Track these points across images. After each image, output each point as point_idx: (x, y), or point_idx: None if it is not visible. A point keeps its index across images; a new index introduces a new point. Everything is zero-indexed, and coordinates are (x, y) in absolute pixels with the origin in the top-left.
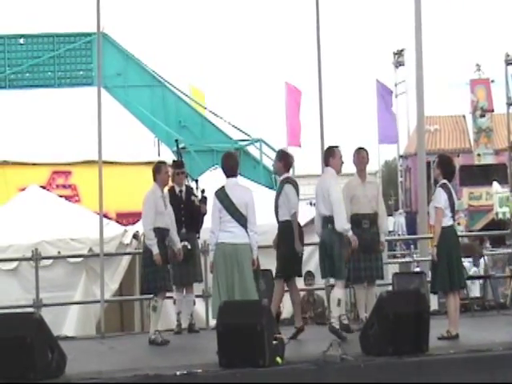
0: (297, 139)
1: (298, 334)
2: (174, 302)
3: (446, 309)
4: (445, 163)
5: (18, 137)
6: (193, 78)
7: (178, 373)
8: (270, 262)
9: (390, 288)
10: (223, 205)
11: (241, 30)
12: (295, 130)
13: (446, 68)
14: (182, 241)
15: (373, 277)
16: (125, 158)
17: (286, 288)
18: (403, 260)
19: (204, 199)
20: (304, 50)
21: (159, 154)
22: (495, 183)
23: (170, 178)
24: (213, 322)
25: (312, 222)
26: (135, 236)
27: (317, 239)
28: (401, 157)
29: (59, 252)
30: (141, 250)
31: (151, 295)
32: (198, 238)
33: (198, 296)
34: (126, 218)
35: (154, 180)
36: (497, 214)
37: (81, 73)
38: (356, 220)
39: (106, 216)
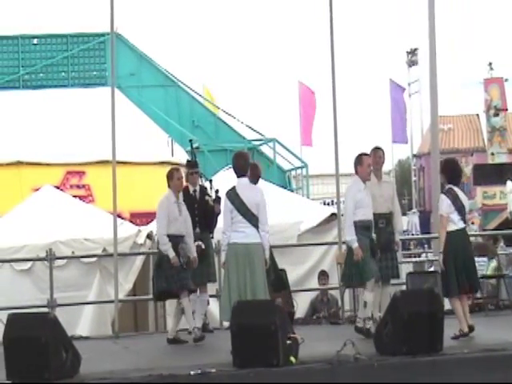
0: (309, 139)
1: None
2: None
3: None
4: (448, 168)
5: (32, 137)
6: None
7: (192, 372)
8: (283, 262)
9: (403, 287)
10: (234, 205)
11: (254, 30)
12: (308, 130)
13: (459, 67)
14: (195, 240)
15: (388, 276)
16: (138, 158)
17: (298, 287)
18: (417, 259)
19: (218, 199)
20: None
21: (173, 154)
22: (509, 182)
23: (184, 178)
24: (226, 322)
25: (326, 221)
26: (149, 236)
27: (331, 239)
28: (414, 156)
29: (73, 252)
30: (155, 250)
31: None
32: (212, 237)
33: (211, 296)
34: (140, 218)
35: (168, 186)
36: (511, 213)
37: (94, 73)
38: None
39: (119, 216)
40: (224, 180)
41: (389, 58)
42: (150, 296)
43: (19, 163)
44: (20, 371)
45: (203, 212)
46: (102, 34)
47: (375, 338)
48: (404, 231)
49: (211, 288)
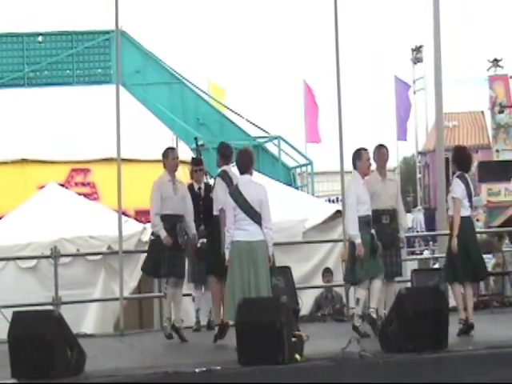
0: (316, 135)
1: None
2: (193, 300)
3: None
4: (460, 155)
5: (37, 135)
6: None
7: (197, 370)
8: (288, 259)
9: (409, 285)
10: (237, 203)
11: (259, 27)
12: (314, 127)
13: (464, 64)
14: (200, 238)
15: (392, 273)
16: (143, 156)
17: (303, 284)
18: (422, 256)
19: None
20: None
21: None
22: None
23: (189, 176)
24: (227, 319)
25: (331, 218)
26: (154, 233)
27: (336, 237)
28: (419, 153)
29: (78, 250)
30: None
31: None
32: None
33: None
34: (145, 216)
35: (164, 166)
36: None
37: (99, 71)
38: (376, 216)
39: (124, 213)
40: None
41: (394, 56)
42: (155, 293)
43: (24, 161)
44: (25, 369)
45: (208, 209)
46: (107, 32)
47: (380, 335)
48: (409, 228)
49: None
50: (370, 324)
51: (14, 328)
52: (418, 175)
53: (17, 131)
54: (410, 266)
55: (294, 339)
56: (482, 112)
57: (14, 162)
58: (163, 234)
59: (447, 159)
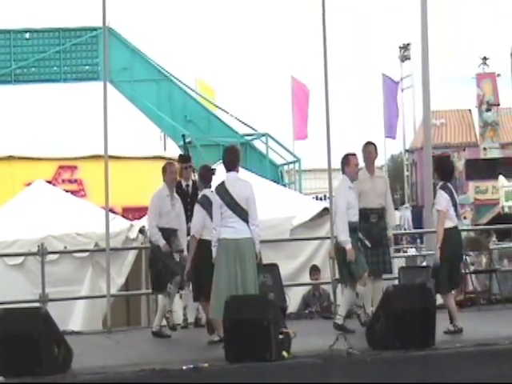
0: (304, 132)
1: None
2: (181, 297)
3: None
4: (441, 166)
5: (24, 132)
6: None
7: (184, 367)
8: (276, 257)
9: (396, 282)
10: (224, 200)
11: (246, 24)
12: (303, 123)
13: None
14: (188, 234)
15: (380, 271)
16: (131, 153)
17: (291, 282)
18: (409, 254)
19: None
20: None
21: (165, 149)
22: (501, 177)
23: (178, 173)
24: (213, 316)
25: (318, 216)
26: (141, 231)
27: (323, 234)
28: (407, 151)
29: (65, 247)
30: (147, 245)
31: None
32: None
33: None
34: (132, 213)
35: (164, 180)
36: (503, 207)
37: (87, 67)
38: (364, 214)
39: (112, 211)
40: (217, 174)
41: (381, 53)
42: (143, 291)
43: (11, 158)
44: (12, 366)
45: None
46: (95, 29)
47: (367, 333)
48: (396, 226)
49: None
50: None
51: (0, 325)
52: (406, 173)
53: (4, 128)
54: (397, 263)
55: (281, 336)
56: (470, 110)
57: (1, 159)
58: (162, 242)
59: (434, 157)
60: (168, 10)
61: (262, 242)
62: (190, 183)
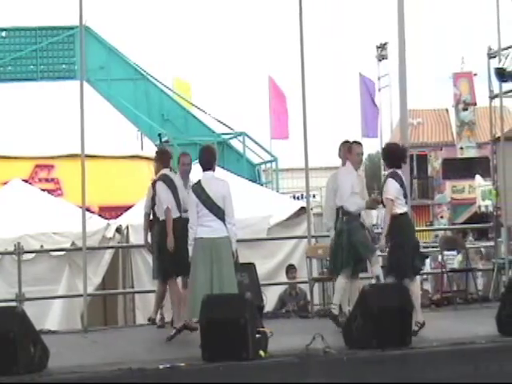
0: (284, 132)
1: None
2: None
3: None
4: (389, 152)
5: (0, 130)
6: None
7: (161, 366)
8: (253, 256)
9: (373, 281)
10: (200, 199)
11: (224, 23)
12: (281, 123)
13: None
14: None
15: (357, 270)
16: (108, 152)
17: (268, 281)
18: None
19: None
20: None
21: (142, 148)
22: (478, 176)
23: (154, 172)
24: (192, 317)
25: (295, 215)
26: (118, 230)
27: (300, 233)
28: None
29: (42, 246)
30: (124, 244)
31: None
32: None
33: None
34: (109, 212)
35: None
36: (479, 207)
37: (63, 66)
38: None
39: (88, 210)
40: (194, 173)
41: (359, 53)
42: (120, 290)
43: None
44: None
45: None
46: (71, 27)
47: (344, 332)
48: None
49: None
50: (331, 319)
51: None
52: (383, 172)
53: None
54: None
55: (258, 335)
56: (447, 109)
57: None
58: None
59: (412, 156)
60: (145, 9)
61: (238, 241)
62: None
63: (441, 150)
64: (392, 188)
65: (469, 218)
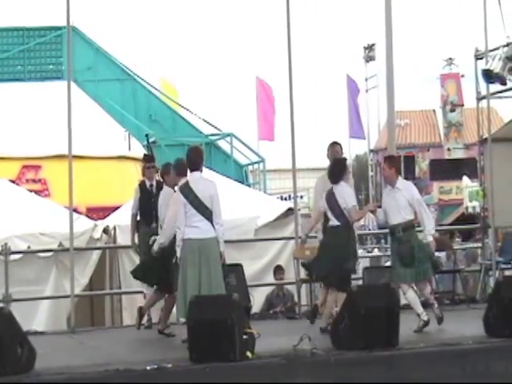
0: (270, 133)
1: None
2: (144, 297)
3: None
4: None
5: None
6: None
7: (148, 367)
8: (240, 257)
9: (360, 282)
10: (188, 199)
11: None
12: (268, 124)
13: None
14: (152, 235)
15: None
16: (95, 153)
17: (255, 282)
18: (374, 254)
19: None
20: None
21: (130, 149)
22: (465, 177)
23: (141, 172)
24: (180, 317)
25: (283, 216)
26: (105, 230)
27: (288, 234)
28: (371, 151)
29: (29, 247)
30: (111, 245)
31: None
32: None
33: None
34: (97, 213)
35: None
36: (467, 208)
37: (51, 67)
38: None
39: (76, 210)
40: None
41: (346, 54)
42: (107, 291)
43: None
44: None
45: None
46: (59, 28)
47: (332, 333)
48: (361, 226)
49: None
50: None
51: None
52: (370, 173)
53: None
54: (361, 263)
55: (245, 337)
56: (434, 110)
57: None
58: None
59: (399, 157)
60: (132, 10)
61: (226, 241)
62: (154, 183)
63: (428, 150)
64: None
65: (456, 219)
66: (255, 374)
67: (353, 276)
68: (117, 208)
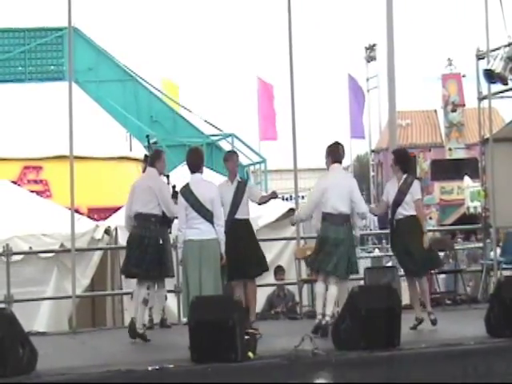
0: (273, 133)
1: None
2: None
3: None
4: (406, 158)
5: None
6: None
7: (150, 368)
8: None
9: (361, 283)
10: (188, 202)
11: (213, 25)
12: (270, 124)
13: (420, 63)
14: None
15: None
16: (96, 153)
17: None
18: (375, 255)
19: (175, 194)
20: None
21: (131, 149)
22: (466, 177)
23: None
24: (185, 317)
25: (284, 216)
26: (107, 231)
27: (289, 234)
28: (373, 151)
29: (30, 247)
30: (113, 245)
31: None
32: (170, 233)
33: (169, 291)
34: (98, 213)
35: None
36: (468, 208)
37: (52, 67)
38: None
39: (77, 211)
40: (182, 175)
41: (347, 54)
42: (108, 291)
43: None
44: None
45: None
46: (60, 29)
47: (333, 333)
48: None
49: (169, 283)
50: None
51: None
52: (372, 173)
53: None
54: (363, 264)
55: (246, 337)
56: (435, 111)
57: None
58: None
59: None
60: (134, 10)
61: None
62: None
63: (429, 151)
64: (420, 189)
65: (457, 219)
66: (256, 375)
67: (354, 276)
68: (118, 209)
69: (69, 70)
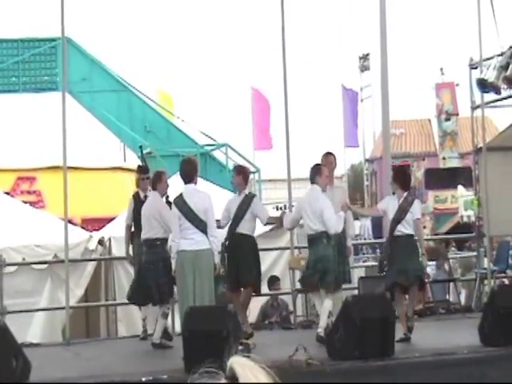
0: (267, 142)
1: None
2: (140, 308)
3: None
4: (403, 175)
5: None
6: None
7: (144, 379)
8: None
9: (355, 292)
10: (182, 212)
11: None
12: (264, 134)
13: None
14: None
15: (339, 281)
16: (90, 164)
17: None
18: (369, 264)
19: (169, 204)
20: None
21: (125, 160)
22: (460, 186)
23: (135, 184)
24: (179, 328)
25: (278, 226)
26: (100, 242)
27: (283, 244)
28: (367, 161)
29: (24, 258)
30: (106, 256)
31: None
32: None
33: None
34: (92, 224)
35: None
36: (462, 217)
37: (45, 78)
38: None
39: (71, 222)
40: (176, 185)
41: (341, 63)
42: (102, 302)
43: None
44: None
45: None
46: (54, 39)
47: (327, 343)
48: (356, 236)
49: None
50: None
51: None
52: (366, 182)
53: None
54: (356, 273)
55: (240, 347)
56: (429, 120)
57: None
58: None
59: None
60: (128, 21)
61: None
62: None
63: (423, 160)
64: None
65: (451, 228)
66: None
67: (348, 286)
68: (112, 219)
69: (63, 81)
